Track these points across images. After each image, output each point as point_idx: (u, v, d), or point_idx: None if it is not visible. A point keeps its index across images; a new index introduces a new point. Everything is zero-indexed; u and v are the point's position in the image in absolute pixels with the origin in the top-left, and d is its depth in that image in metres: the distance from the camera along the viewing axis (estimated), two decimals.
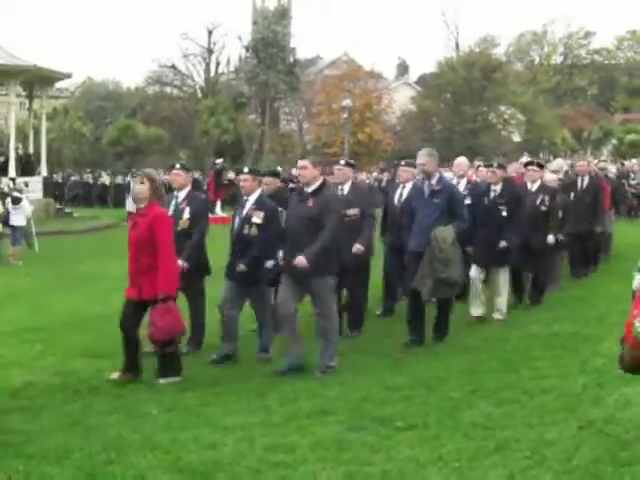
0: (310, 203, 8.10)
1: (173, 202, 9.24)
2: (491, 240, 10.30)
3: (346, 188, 10.07)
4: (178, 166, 9.70)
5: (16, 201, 19.44)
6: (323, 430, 6.11)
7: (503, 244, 10.30)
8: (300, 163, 8.59)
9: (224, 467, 5.38)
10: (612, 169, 17.57)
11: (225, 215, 23.90)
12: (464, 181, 11.54)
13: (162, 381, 7.82)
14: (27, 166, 31.63)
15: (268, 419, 6.49)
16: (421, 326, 9.32)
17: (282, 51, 52.81)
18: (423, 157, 9.26)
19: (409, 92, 59.24)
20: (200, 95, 57.31)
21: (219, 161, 31.55)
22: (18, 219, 19.09)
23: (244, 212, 8.88)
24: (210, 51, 56.55)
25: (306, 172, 8.23)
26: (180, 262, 8.47)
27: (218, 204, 28.25)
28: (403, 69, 66.56)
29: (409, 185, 10.45)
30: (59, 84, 40.78)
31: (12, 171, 29.73)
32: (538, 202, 11.41)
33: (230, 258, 8.95)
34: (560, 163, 15.95)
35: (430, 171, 9.23)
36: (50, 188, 34.37)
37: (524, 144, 52.29)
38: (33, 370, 7.74)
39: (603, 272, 14.02)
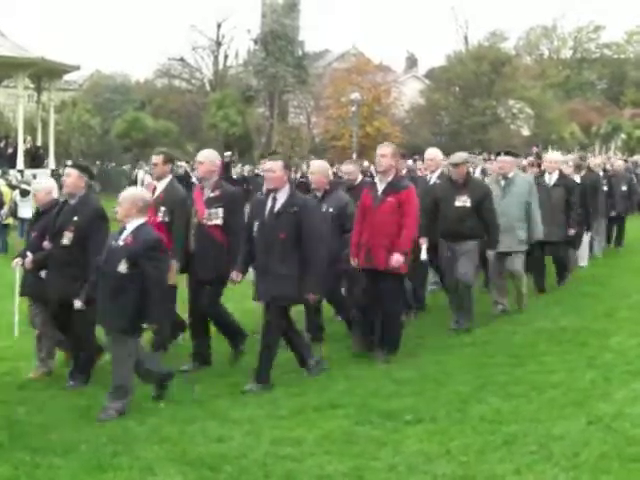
0: None
1: None
2: None
3: None
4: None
5: (24, 193, 19.47)
6: (330, 424, 6.10)
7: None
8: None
9: (231, 460, 5.38)
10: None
11: None
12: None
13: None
14: (35, 158, 31.65)
15: (275, 412, 6.49)
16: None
17: (291, 44, 52.68)
18: None
19: (418, 85, 59.05)
20: (208, 88, 57.23)
21: (227, 154, 31.51)
22: (26, 211, 19.05)
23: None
24: (219, 44, 56.44)
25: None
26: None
27: None
28: (412, 62, 66.36)
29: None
30: (67, 76, 40.70)
31: (20, 163, 29.81)
32: None
33: None
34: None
35: None
36: (58, 180, 34.36)
37: (533, 138, 52.17)
38: None
39: (612, 266, 13.93)
